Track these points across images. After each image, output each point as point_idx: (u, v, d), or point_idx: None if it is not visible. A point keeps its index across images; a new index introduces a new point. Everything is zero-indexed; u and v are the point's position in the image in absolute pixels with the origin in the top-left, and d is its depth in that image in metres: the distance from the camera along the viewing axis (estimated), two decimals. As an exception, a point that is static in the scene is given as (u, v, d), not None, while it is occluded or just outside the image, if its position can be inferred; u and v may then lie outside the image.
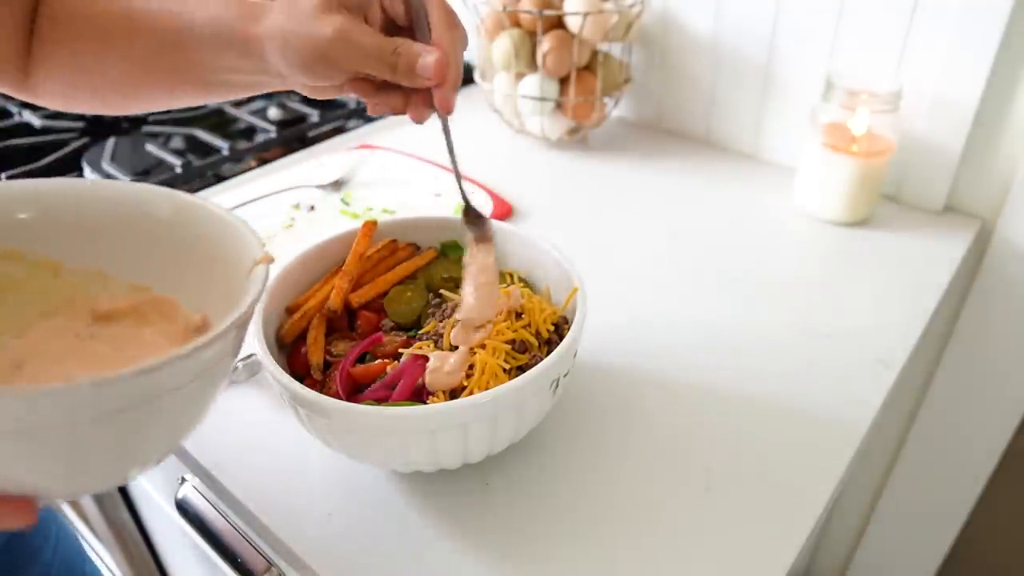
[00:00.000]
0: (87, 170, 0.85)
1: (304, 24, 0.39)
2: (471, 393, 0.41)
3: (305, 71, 0.40)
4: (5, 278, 0.37)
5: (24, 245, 0.38)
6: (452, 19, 0.40)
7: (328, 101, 1.02)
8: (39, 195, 0.38)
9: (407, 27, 0.42)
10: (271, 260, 0.36)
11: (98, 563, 1.15)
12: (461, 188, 0.45)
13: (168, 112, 1.01)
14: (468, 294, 0.44)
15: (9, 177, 0.80)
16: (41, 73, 0.47)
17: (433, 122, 0.43)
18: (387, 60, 0.39)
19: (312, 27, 0.39)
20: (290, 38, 0.40)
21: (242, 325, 0.32)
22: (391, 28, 0.42)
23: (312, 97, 0.45)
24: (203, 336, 0.29)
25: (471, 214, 0.46)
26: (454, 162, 0.44)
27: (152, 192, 0.39)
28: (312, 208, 0.75)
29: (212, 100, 0.48)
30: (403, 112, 0.43)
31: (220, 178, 0.85)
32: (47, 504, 0.30)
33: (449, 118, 0.43)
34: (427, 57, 0.39)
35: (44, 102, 0.50)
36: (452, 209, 0.74)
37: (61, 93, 0.49)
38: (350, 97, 0.44)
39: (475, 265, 0.45)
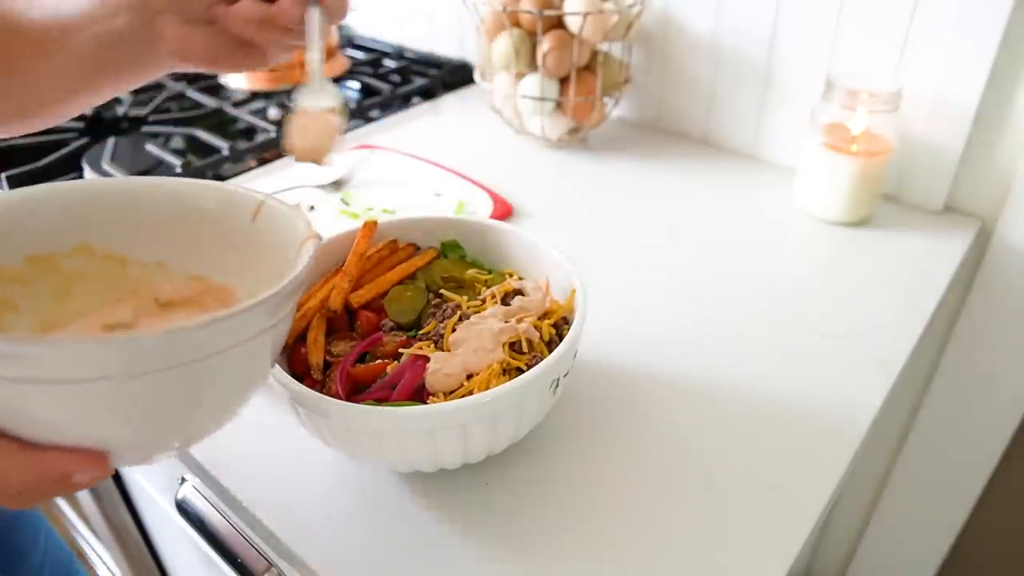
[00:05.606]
0: (87, 170, 0.85)
1: None
2: (471, 393, 0.41)
3: None
4: (77, 270, 0.41)
5: (93, 240, 0.41)
6: None
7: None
8: (103, 194, 0.41)
9: None
10: (319, 237, 0.38)
11: (96, 562, 1.15)
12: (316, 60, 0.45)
13: (168, 112, 1.01)
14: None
15: (9, 177, 0.80)
16: None
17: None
18: None
19: None
20: None
21: (292, 292, 0.34)
22: None
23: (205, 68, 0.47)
24: (258, 296, 0.31)
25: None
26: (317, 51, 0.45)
27: (198, 186, 0.42)
28: (312, 208, 0.75)
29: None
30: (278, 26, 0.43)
31: (220, 178, 0.85)
32: (118, 465, 0.33)
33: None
34: None
35: None
36: (453, 209, 0.74)
37: None
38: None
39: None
